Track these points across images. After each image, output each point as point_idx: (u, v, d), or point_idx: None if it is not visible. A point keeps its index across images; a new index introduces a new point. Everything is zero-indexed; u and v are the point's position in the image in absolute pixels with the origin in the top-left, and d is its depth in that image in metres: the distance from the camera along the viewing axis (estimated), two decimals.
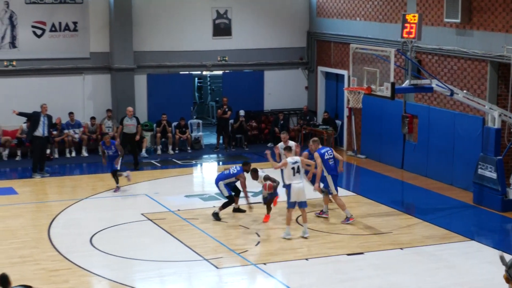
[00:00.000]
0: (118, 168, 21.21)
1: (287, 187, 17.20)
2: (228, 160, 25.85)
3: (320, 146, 18.60)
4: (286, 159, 17.15)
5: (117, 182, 21.31)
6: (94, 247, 16.53)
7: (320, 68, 28.55)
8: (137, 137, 24.67)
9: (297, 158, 17.32)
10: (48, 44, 26.31)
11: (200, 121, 28.34)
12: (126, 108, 25.19)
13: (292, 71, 29.13)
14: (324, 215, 18.72)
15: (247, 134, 27.84)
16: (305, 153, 18.87)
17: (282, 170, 17.87)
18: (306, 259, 15.81)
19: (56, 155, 25.67)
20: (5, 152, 25.55)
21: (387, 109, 24.16)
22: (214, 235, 17.31)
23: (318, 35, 28.48)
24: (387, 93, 18.48)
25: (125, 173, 21.46)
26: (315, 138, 19.08)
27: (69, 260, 15.69)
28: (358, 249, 16.43)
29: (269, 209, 18.35)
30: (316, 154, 18.20)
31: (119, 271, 15.15)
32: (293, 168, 17.02)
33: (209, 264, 15.52)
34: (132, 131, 24.19)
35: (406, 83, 19.58)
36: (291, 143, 18.95)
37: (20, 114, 23.36)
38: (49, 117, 23.41)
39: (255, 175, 18.41)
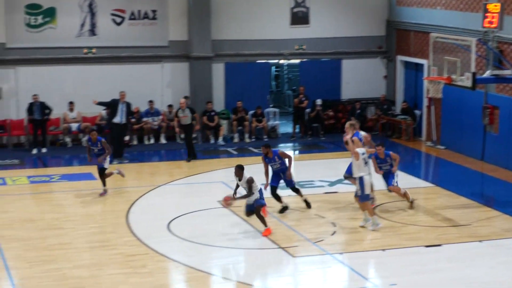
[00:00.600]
0: (106, 166, 19.88)
1: (360, 179, 16.92)
2: (304, 149, 25.80)
3: (355, 131, 18.22)
4: (356, 149, 16.93)
5: (104, 184, 19.91)
6: (171, 233, 16.65)
7: (400, 57, 28.17)
8: (197, 126, 24.62)
9: (364, 150, 17.13)
10: (127, 32, 26.61)
11: (277, 110, 28.29)
12: (205, 96, 25.33)
13: (370, 60, 28.81)
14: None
15: (324, 123, 27.67)
16: (366, 134, 18.57)
17: (352, 162, 17.51)
18: (383, 250, 15.63)
19: (135, 142, 25.98)
20: (85, 139, 25.97)
21: (468, 99, 23.70)
22: (290, 224, 17.26)
23: (397, 24, 28.11)
24: (468, 83, 18.15)
25: (115, 171, 20.36)
26: (352, 122, 18.67)
27: (146, 245, 15.84)
28: (435, 241, 16.18)
29: (263, 221, 16.59)
30: (356, 139, 17.85)
31: (195, 257, 15.23)
32: (363, 159, 16.86)
33: (285, 252, 15.48)
34: (186, 122, 23.88)
35: (487, 74, 19.19)
36: (362, 133, 18.60)
37: (100, 103, 23.70)
38: (128, 105, 23.69)
39: (239, 172, 16.54)
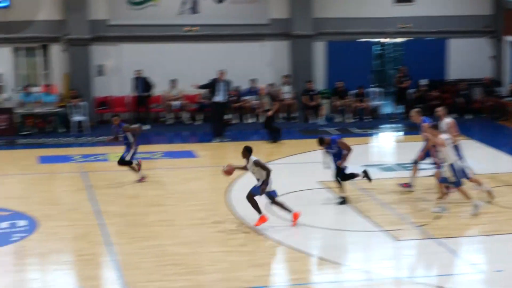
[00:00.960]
0: (128, 159, 18.77)
1: (451, 166, 16.24)
2: (408, 131, 25.28)
3: (423, 117, 17.64)
4: (440, 137, 16.35)
5: (138, 170, 18.94)
6: (271, 212, 16.49)
7: (507, 38, 27.28)
8: (270, 113, 23.95)
9: (447, 135, 16.56)
10: (228, 10, 26.58)
11: (380, 90, 27.86)
12: (305, 75, 25.17)
13: (477, 40, 28.01)
14: (408, 188, 17.92)
15: (428, 104, 27.02)
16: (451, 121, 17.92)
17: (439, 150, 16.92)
18: (489, 236, 15.10)
19: (236, 121, 25.96)
20: (186, 116, 26.10)
21: None
22: (393, 207, 16.89)
23: (506, 3, 27.22)
24: None
25: (135, 161, 18.98)
26: (417, 109, 18.05)
27: (246, 224, 15.74)
28: None
29: (256, 208, 15.45)
30: (426, 124, 17.23)
31: (296, 237, 15.05)
32: (450, 144, 16.32)
33: (387, 235, 15.12)
34: (265, 108, 23.71)
35: None
36: (447, 120, 17.96)
37: (201, 87, 23.76)
38: (227, 83, 23.67)
39: (245, 154, 15.64)
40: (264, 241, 14.89)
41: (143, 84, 25.22)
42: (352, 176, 17.30)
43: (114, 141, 19.11)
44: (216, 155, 22.11)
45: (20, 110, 24.96)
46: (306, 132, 24.60)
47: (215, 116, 23.77)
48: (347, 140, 23.48)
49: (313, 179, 19.00)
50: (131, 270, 13.30)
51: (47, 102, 25.26)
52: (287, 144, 23.04)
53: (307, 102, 26.26)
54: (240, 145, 22.87)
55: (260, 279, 13.05)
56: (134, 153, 18.81)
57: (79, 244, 14.70)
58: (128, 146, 18.83)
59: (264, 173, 15.39)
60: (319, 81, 26.98)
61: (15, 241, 14.67)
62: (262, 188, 15.43)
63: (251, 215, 16.19)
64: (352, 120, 26.36)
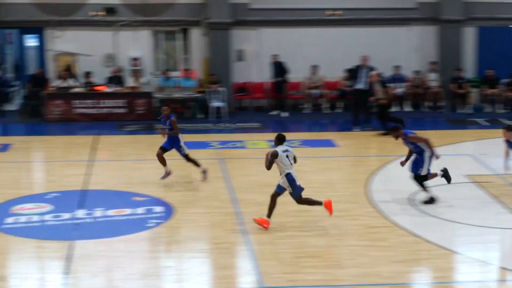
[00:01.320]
0: (186, 152, 17.47)
1: None
2: None
3: None
4: None
5: (164, 165, 17.55)
6: (413, 206, 15.81)
7: None
8: (373, 98, 22.54)
9: None
10: None
11: None
12: (454, 62, 24.73)
13: None
14: None
15: None
16: None
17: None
18: None
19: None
20: (325, 105, 25.63)
21: None
22: None
23: None
24: None
25: (202, 167, 17.67)
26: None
27: (387, 217, 15.10)
28: None
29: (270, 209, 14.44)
30: None
31: (439, 233, 14.34)
32: None
33: None
34: (379, 96, 22.63)
35: None
36: None
37: (347, 79, 23.25)
38: (370, 69, 23.09)
39: (277, 142, 14.18)
40: (405, 236, 14.22)
41: (278, 68, 24.84)
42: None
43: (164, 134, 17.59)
44: (356, 144, 21.52)
45: (159, 95, 25.02)
46: (453, 122, 23.63)
47: (356, 104, 23.16)
48: (497, 132, 22.43)
49: (460, 172, 18.10)
50: (267, 260, 12.96)
51: (186, 87, 25.25)
52: (432, 135, 22.00)
53: (456, 91, 25.28)
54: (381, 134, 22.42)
55: (401, 276, 12.48)
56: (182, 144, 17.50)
57: (215, 232, 14.47)
58: (177, 141, 17.52)
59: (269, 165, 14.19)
60: (468, 69, 25.98)
61: (151, 227, 14.60)
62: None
63: (392, 208, 15.59)
64: (503, 111, 25.34)
